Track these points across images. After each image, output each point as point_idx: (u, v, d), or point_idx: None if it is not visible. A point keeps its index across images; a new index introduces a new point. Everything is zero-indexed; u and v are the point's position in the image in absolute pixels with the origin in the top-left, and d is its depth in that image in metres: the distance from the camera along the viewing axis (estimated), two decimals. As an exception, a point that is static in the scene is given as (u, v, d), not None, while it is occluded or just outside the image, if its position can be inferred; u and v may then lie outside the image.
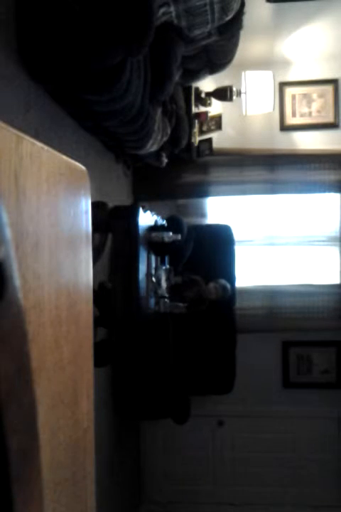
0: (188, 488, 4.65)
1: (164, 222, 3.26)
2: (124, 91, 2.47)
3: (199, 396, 4.20)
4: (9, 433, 0.33)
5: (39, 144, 0.63)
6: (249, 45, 4.10)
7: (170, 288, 3.35)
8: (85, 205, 0.81)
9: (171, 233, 2.91)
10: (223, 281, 3.72)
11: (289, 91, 4.66)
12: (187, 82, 3.81)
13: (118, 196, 3.99)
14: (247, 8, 3.21)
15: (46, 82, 2.40)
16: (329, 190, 4.61)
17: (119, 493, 4.08)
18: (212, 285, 3.67)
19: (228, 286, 3.72)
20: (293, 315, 4.59)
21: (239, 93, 4.32)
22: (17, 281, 0.34)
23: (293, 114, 4.67)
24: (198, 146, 4.34)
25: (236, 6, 2.92)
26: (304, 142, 4.64)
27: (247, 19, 3.29)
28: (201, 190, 4.66)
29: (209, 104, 4.39)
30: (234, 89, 4.28)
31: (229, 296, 3.78)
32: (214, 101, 4.41)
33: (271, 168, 4.60)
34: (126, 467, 4.37)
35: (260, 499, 4.57)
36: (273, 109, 4.47)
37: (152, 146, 3.36)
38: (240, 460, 4.67)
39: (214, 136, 4.50)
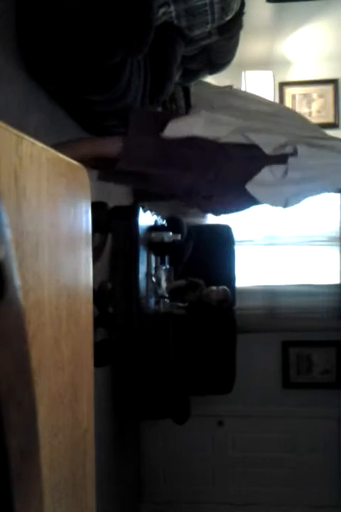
0: (188, 488, 4.65)
1: (164, 222, 3.26)
2: (124, 91, 2.47)
3: (199, 396, 4.20)
4: (9, 433, 0.33)
5: (39, 144, 0.63)
6: (249, 45, 4.09)
7: (172, 290, 3.36)
8: (85, 205, 0.81)
9: (171, 233, 2.91)
10: (225, 289, 3.69)
11: (289, 91, 4.66)
12: (187, 82, 3.81)
13: (118, 196, 3.99)
14: (247, 8, 3.20)
15: (46, 82, 2.40)
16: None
17: (119, 493, 4.08)
18: (213, 291, 3.65)
19: (229, 294, 3.70)
20: (293, 315, 4.59)
21: (239, 93, 4.32)
22: (17, 281, 0.34)
23: (293, 114, 4.67)
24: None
25: (236, 6, 2.92)
26: (304, 142, 4.64)
27: (247, 19, 3.29)
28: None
29: (209, 104, 4.38)
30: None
31: (230, 304, 3.76)
32: (214, 101, 4.41)
33: (271, 168, 4.59)
34: (126, 467, 4.37)
35: (260, 499, 4.58)
36: (273, 109, 4.47)
37: (152, 146, 3.36)
38: (240, 460, 4.67)
39: (214, 136, 4.49)
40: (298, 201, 2.35)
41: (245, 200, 2.33)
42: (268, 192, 2.24)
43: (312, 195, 2.40)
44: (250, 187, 2.20)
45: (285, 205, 2.34)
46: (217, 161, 2.24)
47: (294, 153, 2.18)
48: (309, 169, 2.25)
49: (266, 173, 2.20)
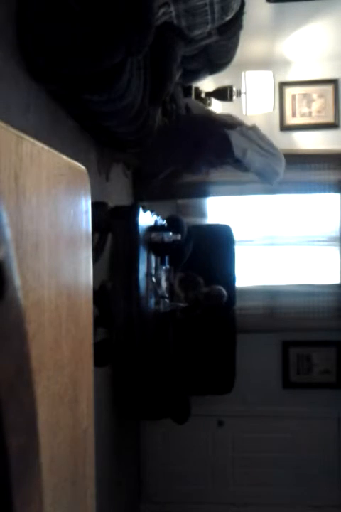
0: (188, 488, 4.65)
1: (164, 222, 3.26)
2: (124, 91, 2.47)
3: (199, 396, 4.20)
4: (9, 433, 0.33)
5: (39, 144, 0.63)
6: (249, 45, 4.09)
7: (171, 284, 3.36)
8: (85, 205, 0.81)
9: (171, 233, 2.91)
10: (218, 289, 3.71)
11: (289, 91, 4.66)
12: (187, 82, 3.81)
13: (118, 196, 3.99)
14: (247, 8, 3.20)
15: (46, 82, 2.40)
16: (329, 190, 4.61)
17: (119, 493, 4.08)
18: (204, 291, 3.68)
19: (223, 293, 3.71)
20: (293, 315, 4.59)
21: (239, 93, 4.31)
22: (17, 281, 0.34)
23: (293, 114, 4.67)
24: (198, 146, 4.34)
25: (236, 6, 2.92)
26: (304, 142, 4.64)
27: (247, 19, 3.29)
28: (201, 190, 4.66)
29: (209, 104, 4.38)
30: (234, 89, 4.28)
31: (223, 302, 3.77)
32: (214, 101, 4.41)
33: (271, 168, 4.60)
34: (126, 467, 4.37)
35: (260, 499, 4.57)
36: (273, 109, 4.47)
37: (152, 146, 3.36)
38: (240, 460, 4.67)
39: (214, 136, 4.49)
40: (252, 161, 3.48)
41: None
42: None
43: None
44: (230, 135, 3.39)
45: (243, 155, 3.45)
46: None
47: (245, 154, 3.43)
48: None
49: (236, 136, 3.42)
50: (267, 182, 3.79)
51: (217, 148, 3.43)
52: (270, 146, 3.60)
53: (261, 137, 3.60)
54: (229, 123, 3.56)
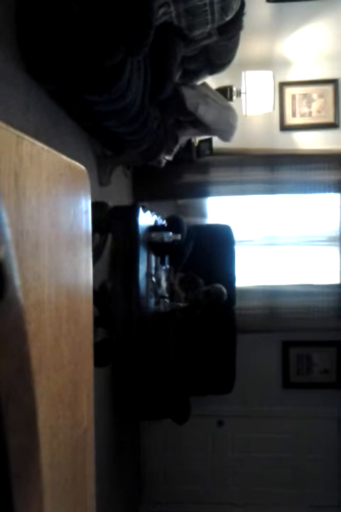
0: (188, 488, 4.65)
1: (164, 222, 3.26)
2: (124, 91, 2.47)
3: (199, 396, 4.20)
4: (9, 433, 0.33)
5: (39, 144, 0.63)
6: (249, 45, 4.09)
7: (171, 284, 3.36)
8: (85, 205, 0.81)
9: (171, 233, 2.91)
10: (218, 287, 3.71)
11: (289, 91, 4.66)
12: (187, 82, 3.81)
13: (118, 196, 3.99)
14: (247, 8, 3.20)
15: (46, 82, 2.40)
16: (329, 190, 4.61)
17: (119, 493, 4.08)
18: (205, 289, 3.68)
19: (223, 291, 3.71)
20: (293, 315, 4.59)
21: (239, 93, 4.31)
22: (17, 281, 0.34)
23: (293, 114, 4.67)
24: (198, 146, 4.34)
25: (236, 6, 2.92)
26: (304, 142, 4.64)
27: (247, 19, 3.29)
28: (201, 190, 4.66)
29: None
30: (234, 89, 4.27)
31: (222, 302, 3.77)
32: (214, 101, 4.40)
33: (271, 168, 4.60)
34: (126, 467, 4.37)
35: (260, 499, 4.58)
36: (273, 109, 4.47)
37: (152, 146, 3.35)
38: (240, 460, 4.67)
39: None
40: (205, 112, 3.55)
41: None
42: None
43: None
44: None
45: (195, 108, 3.49)
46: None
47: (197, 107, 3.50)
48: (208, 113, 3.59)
49: (187, 90, 3.47)
50: (221, 136, 3.85)
51: (172, 106, 3.43)
52: (221, 100, 3.71)
53: (211, 90, 3.72)
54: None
